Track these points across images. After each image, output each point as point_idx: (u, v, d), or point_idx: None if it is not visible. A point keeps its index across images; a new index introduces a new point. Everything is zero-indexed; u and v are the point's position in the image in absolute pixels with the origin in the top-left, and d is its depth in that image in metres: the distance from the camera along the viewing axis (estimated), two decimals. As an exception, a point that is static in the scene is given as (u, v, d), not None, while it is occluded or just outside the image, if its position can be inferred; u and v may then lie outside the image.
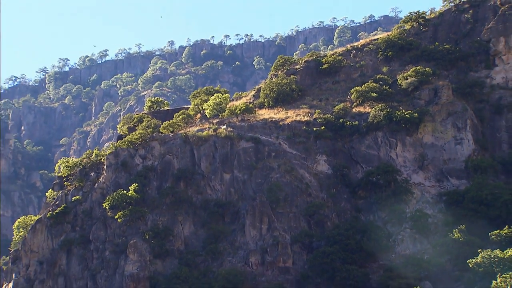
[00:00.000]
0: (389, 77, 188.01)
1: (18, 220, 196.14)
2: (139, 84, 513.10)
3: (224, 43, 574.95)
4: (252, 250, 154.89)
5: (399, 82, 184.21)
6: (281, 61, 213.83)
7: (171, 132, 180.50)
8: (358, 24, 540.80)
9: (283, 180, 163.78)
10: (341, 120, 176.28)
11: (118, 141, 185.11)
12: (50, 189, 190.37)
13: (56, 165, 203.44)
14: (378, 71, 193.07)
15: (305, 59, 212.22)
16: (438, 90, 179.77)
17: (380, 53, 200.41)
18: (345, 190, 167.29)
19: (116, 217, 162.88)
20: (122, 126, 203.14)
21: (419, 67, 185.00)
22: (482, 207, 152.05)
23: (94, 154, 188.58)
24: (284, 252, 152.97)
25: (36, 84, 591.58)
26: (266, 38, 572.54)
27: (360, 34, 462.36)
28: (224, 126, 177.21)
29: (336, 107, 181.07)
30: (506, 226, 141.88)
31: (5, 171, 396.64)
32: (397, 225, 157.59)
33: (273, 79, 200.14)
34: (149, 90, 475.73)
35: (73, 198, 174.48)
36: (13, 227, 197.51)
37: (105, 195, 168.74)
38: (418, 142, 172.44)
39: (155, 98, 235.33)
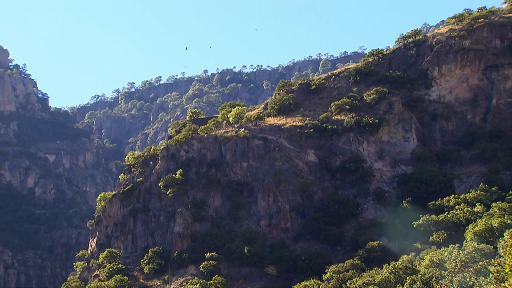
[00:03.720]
0: (358, 95, 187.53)
1: (100, 195, 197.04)
2: (183, 100, 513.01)
3: (242, 71, 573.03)
4: (262, 216, 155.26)
5: (365, 98, 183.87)
6: (282, 84, 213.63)
7: (206, 133, 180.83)
8: (336, 58, 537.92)
9: (283, 167, 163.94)
10: (324, 125, 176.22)
11: (169, 140, 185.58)
12: (122, 173, 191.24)
13: (126, 156, 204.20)
14: (350, 91, 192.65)
15: (299, 82, 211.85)
16: (392, 104, 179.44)
17: (352, 78, 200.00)
18: (327, 174, 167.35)
19: (168, 192, 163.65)
20: (171, 129, 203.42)
21: (378, 87, 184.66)
22: (423, 185, 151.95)
23: (152, 149, 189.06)
24: (284, 217, 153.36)
25: (112, 100, 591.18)
26: (271, 67, 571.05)
27: (337, 64, 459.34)
28: (243, 129, 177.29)
29: (321, 115, 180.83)
30: (439, 198, 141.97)
31: (91, 161, 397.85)
32: (364, 198, 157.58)
33: (277, 96, 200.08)
34: (190, 104, 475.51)
35: (137, 180, 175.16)
36: (97, 200, 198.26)
37: (160, 178, 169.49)
38: (378, 140, 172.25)
39: (194, 110, 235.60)
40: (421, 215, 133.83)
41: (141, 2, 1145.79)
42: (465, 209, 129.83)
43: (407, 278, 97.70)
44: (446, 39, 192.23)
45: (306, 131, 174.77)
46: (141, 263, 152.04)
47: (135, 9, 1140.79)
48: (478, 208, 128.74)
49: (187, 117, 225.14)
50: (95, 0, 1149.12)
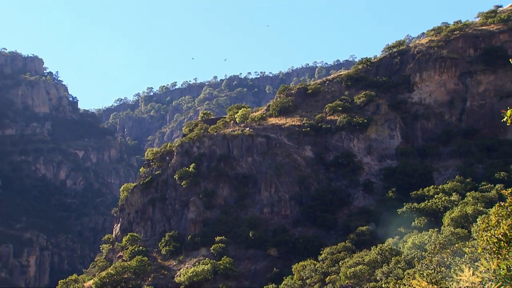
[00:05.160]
0: (349, 98, 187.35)
1: (123, 186, 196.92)
2: (195, 103, 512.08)
3: (248, 77, 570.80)
4: (265, 204, 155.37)
5: (355, 101, 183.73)
6: (282, 88, 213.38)
7: (215, 132, 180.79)
8: (330, 65, 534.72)
9: (284, 161, 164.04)
10: (319, 124, 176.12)
11: (183, 138, 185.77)
12: (142, 167, 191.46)
13: (145, 152, 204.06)
14: (342, 94, 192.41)
15: (297, 87, 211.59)
16: (379, 105, 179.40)
17: (343, 83, 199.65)
18: (322, 167, 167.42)
19: (182, 184, 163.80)
20: (185, 128, 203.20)
21: (367, 91, 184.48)
22: (406, 177, 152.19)
23: (168, 146, 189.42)
24: (285, 206, 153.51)
25: (133, 103, 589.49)
26: (273, 74, 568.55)
27: (331, 71, 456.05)
28: (248, 128, 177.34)
29: (317, 116, 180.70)
30: (420, 188, 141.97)
31: (115, 156, 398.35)
32: (354, 189, 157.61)
33: (278, 99, 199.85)
34: (201, 106, 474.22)
35: (156, 172, 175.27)
36: (120, 190, 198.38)
37: (175, 171, 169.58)
38: (367, 138, 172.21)
39: (205, 111, 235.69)
40: (404, 203, 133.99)
41: (159, 19, 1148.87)
42: (443, 198, 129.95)
43: (392, 258, 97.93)
44: (426, 48, 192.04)
45: (303, 130, 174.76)
46: (159, 245, 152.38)
47: (154, 24, 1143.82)
48: (454, 197, 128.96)
49: (199, 117, 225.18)
50: (119, 16, 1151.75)
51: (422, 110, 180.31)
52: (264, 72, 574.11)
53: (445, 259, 68.22)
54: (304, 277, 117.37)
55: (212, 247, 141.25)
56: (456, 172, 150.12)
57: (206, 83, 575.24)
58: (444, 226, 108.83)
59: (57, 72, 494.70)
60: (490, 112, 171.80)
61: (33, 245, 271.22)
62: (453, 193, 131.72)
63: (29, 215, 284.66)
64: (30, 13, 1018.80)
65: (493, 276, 13.38)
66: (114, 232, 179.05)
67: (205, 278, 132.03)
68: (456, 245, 78.22)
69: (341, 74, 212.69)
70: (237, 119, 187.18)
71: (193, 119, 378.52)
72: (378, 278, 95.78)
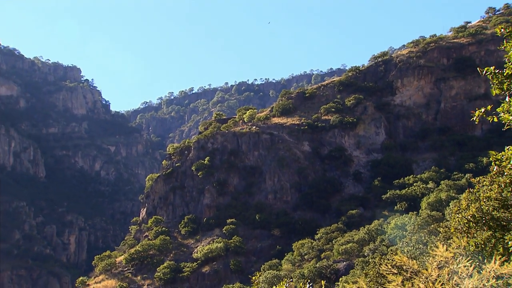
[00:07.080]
0: (341, 100, 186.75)
1: (148, 176, 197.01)
2: (209, 105, 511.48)
3: (254, 83, 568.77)
4: (269, 191, 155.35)
5: (346, 103, 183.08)
6: (284, 92, 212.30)
7: (226, 130, 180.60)
8: (324, 73, 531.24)
9: (285, 155, 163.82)
10: (316, 123, 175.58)
11: (199, 135, 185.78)
12: (164, 160, 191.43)
13: (167, 147, 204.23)
14: (335, 97, 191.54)
15: (297, 91, 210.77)
16: (366, 107, 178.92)
17: (336, 88, 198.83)
18: (318, 160, 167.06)
19: (198, 174, 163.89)
20: (201, 127, 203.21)
21: (356, 95, 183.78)
22: (390, 168, 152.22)
23: (186, 142, 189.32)
24: (286, 193, 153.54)
25: (157, 106, 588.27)
26: (276, 80, 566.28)
27: (325, 78, 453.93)
28: (254, 127, 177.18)
29: (313, 116, 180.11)
30: (401, 177, 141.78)
31: (141, 151, 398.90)
32: (345, 178, 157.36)
33: (280, 102, 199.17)
34: (215, 108, 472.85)
35: (176, 165, 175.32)
36: (146, 180, 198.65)
37: (192, 163, 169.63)
38: (356, 135, 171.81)
39: (218, 112, 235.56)
40: (388, 191, 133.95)
41: (179, 33, 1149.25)
42: (421, 185, 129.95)
43: (378, 237, 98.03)
44: (406, 58, 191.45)
45: (302, 128, 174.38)
46: (179, 226, 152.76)
47: (175, 37, 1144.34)
48: (430, 185, 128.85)
49: (212, 118, 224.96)
50: (141, 31, 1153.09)
51: (403, 111, 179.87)
52: (268, 79, 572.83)
53: (423, 238, 68.17)
54: (302, 253, 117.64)
55: (224, 228, 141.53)
56: (432, 164, 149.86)
57: (219, 88, 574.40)
58: (421, 210, 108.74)
59: (93, 79, 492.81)
60: (461, 112, 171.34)
61: (73, 226, 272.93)
62: (429, 182, 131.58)
63: (70, 200, 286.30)
64: (71, 29, 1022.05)
65: (463, 252, 13.49)
66: (141, 215, 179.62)
67: (218, 254, 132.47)
68: (432, 225, 78.10)
69: (334, 80, 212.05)
70: (245, 119, 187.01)
71: (208, 119, 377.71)
72: (365, 254, 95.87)
